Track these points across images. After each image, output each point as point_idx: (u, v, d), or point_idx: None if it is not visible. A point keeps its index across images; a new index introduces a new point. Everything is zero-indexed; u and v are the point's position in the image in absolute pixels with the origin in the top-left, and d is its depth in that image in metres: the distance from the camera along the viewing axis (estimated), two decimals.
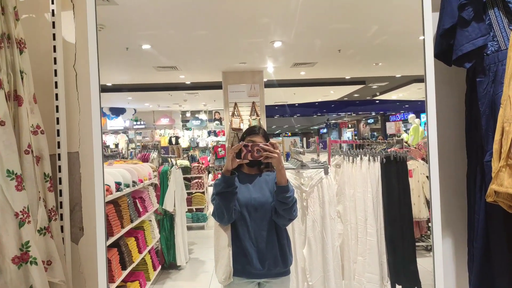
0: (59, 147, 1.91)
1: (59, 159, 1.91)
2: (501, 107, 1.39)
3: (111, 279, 3.20)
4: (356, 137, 23.09)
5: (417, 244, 4.81)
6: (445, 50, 1.68)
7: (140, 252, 3.98)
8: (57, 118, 1.91)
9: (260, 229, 2.13)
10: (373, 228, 3.10)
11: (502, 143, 1.36)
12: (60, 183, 1.91)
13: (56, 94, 1.91)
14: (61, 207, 1.91)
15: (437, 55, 1.73)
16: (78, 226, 1.97)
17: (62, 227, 1.90)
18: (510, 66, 1.36)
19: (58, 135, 1.91)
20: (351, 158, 3.22)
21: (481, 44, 1.54)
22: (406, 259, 3.15)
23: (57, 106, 1.91)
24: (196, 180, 7.60)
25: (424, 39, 1.63)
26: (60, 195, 1.91)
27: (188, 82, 9.43)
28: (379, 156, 3.17)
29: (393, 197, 3.20)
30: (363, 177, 3.16)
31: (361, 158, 3.19)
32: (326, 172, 2.93)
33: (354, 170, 3.21)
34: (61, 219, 1.90)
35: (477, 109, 1.61)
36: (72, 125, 1.97)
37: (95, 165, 1.75)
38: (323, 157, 3.54)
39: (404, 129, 11.57)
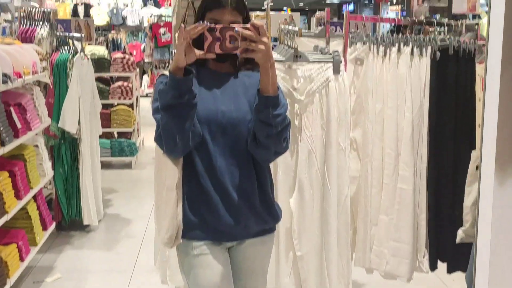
0: None
1: None
2: None
3: None
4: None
5: None
6: None
7: (18, 197, 4.12)
8: None
9: (229, 163, 2.26)
10: (409, 170, 3.29)
11: None
12: None
13: None
14: None
15: None
16: None
17: None
18: None
19: None
20: (382, 49, 3.29)
21: None
22: (460, 221, 3.39)
23: None
24: (120, 83, 7.63)
25: None
26: None
27: None
28: (429, 48, 3.25)
29: (448, 120, 3.34)
30: (400, 82, 3.25)
31: (398, 50, 3.26)
32: (337, 71, 2.98)
33: (385, 70, 3.30)
34: None
35: None
36: None
37: None
38: (336, 46, 3.56)
39: (486, 9, 11.44)
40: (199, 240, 2.28)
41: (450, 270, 3.45)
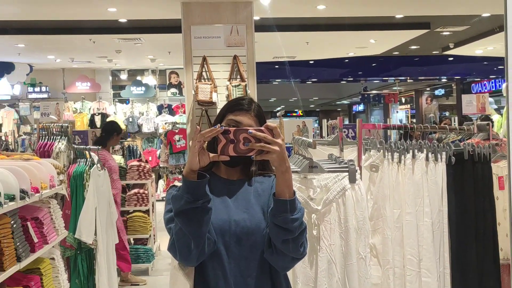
0: None
1: None
2: None
3: None
4: (413, 120, 23.21)
5: None
6: None
7: None
8: None
9: (245, 274, 2.16)
10: (432, 276, 3.17)
11: None
12: None
13: None
14: None
15: None
16: None
17: None
18: None
19: None
20: (396, 155, 3.26)
21: None
22: None
23: None
24: (136, 191, 7.63)
25: None
26: None
27: (123, 20, 9.37)
28: (444, 153, 3.21)
29: (467, 223, 3.25)
30: (417, 188, 3.20)
31: (413, 156, 3.23)
32: (353, 179, 2.96)
33: (401, 177, 3.26)
34: None
35: None
36: None
37: None
38: (350, 153, 3.58)
39: (495, 107, 11.59)
40: None
41: None
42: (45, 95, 15.30)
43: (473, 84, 19.45)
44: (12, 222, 3.80)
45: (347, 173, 2.96)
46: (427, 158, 3.23)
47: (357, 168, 2.99)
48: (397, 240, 3.20)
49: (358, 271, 2.94)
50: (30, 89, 15.42)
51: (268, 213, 2.12)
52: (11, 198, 3.74)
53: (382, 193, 3.23)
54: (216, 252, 2.14)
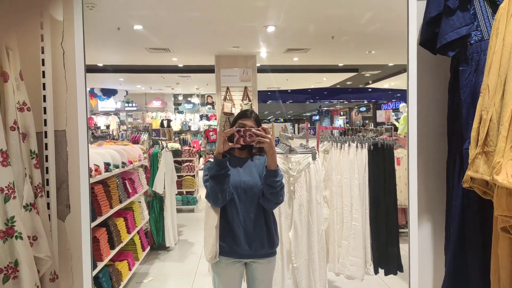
0: (45, 124, 1.92)
1: (46, 137, 1.92)
2: (480, 96, 1.42)
3: (99, 257, 3.24)
4: (347, 125, 23.15)
5: (401, 230, 4.91)
6: (430, 39, 1.71)
7: (128, 232, 4.03)
8: (44, 96, 1.91)
9: (249, 211, 2.17)
10: (359, 214, 3.16)
11: (479, 131, 1.40)
12: (47, 161, 1.92)
13: (43, 72, 1.91)
14: (47, 185, 1.93)
15: (423, 43, 1.75)
16: (65, 203, 1.99)
17: (48, 204, 1.92)
18: (490, 55, 1.39)
19: (45, 112, 1.91)
20: (339, 144, 3.25)
21: (464, 33, 1.57)
22: (389, 244, 3.23)
23: (44, 84, 1.91)
24: (187, 163, 7.64)
25: (407, 26, 1.65)
26: (47, 173, 1.93)
27: (180, 65, 9.37)
28: (366, 143, 3.21)
29: (379, 184, 3.25)
30: (351, 163, 3.19)
31: (349, 145, 3.22)
32: (314, 158, 2.96)
33: (342, 157, 3.24)
34: (48, 196, 1.92)
35: (459, 97, 1.65)
36: (59, 103, 1.97)
37: (80, 144, 1.76)
38: (312, 143, 3.57)
39: (395, 117, 11.66)
40: (227, 258, 2.18)
41: (386, 274, 3.25)
42: (134, 108, 15.25)
43: (382, 105, 19.39)
44: (117, 180, 3.82)
45: (310, 154, 2.95)
46: (356, 146, 3.21)
47: (316, 151, 2.98)
48: (338, 193, 3.19)
49: (316, 210, 2.94)
50: (126, 104, 15.38)
51: (262, 177, 2.15)
52: (116, 166, 3.77)
53: (330, 166, 3.22)
54: (233, 199, 2.16)
